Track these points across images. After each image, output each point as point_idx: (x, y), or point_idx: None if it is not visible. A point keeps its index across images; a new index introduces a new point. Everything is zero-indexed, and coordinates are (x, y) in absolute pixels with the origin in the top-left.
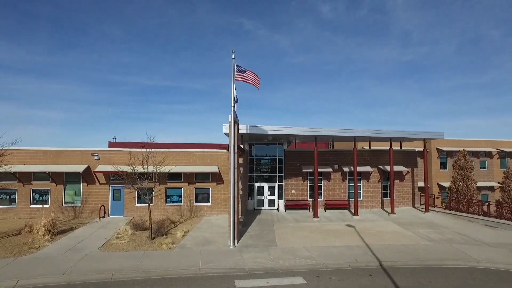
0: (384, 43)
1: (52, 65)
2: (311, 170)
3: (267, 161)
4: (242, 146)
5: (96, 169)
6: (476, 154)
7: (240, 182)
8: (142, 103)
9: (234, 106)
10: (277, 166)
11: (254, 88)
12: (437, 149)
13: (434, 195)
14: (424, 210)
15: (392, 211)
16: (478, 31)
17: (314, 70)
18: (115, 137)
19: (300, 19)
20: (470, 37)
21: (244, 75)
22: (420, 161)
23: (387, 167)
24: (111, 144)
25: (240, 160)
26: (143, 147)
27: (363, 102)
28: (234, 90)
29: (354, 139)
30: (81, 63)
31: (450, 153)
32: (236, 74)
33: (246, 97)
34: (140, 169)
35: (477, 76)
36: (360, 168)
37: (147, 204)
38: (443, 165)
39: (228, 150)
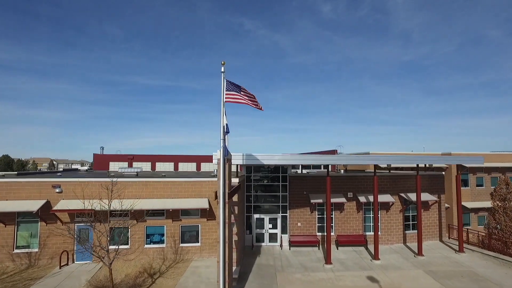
0: (384, 42)
1: (52, 65)
2: (321, 200)
3: (268, 188)
4: (237, 180)
5: (55, 207)
6: (501, 170)
7: (235, 226)
8: (142, 103)
9: (224, 139)
10: (280, 194)
11: (255, 88)
12: (457, 165)
13: (468, 229)
14: (457, 248)
15: (420, 253)
16: (478, 31)
17: (315, 70)
18: (102, 148)
19: (300, 19)
20: (470, 37)
21: (239, 95)
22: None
23: (410, 195)
24: (96, 157)
25: (235, 198)
26: (131, 159)
27: (363, 102)
28: (224, 116)
29: (375, 168)
30: (81, 63)
31: (473, 170)
32: (226, 94)
33: None
34: (104, 206)
35: (477, 76)
36: (380, 198)
37: (123, 246)
38: (464, 183)
39: (216, 198)
